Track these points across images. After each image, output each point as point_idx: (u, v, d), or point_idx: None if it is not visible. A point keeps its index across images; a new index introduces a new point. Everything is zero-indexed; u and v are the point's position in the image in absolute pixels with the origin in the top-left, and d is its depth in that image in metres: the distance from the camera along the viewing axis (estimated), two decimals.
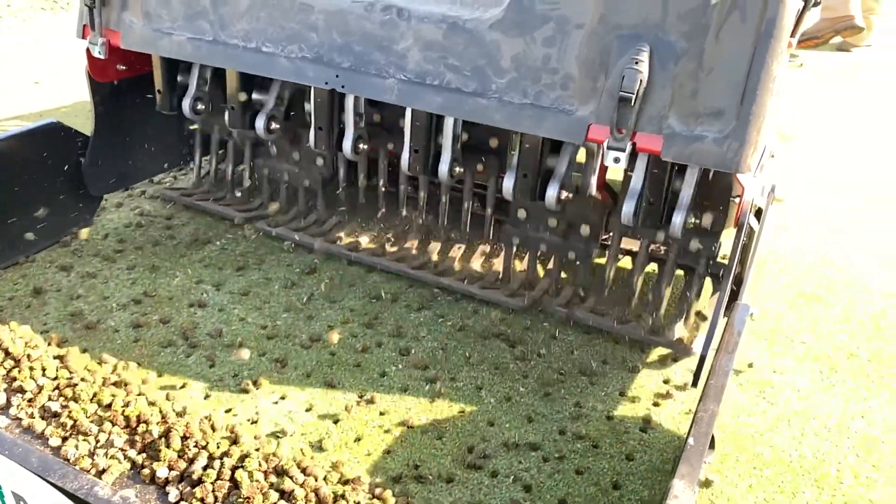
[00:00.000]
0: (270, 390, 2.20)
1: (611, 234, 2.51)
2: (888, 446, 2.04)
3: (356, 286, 2.70)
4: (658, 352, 2.39)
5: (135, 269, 2.76)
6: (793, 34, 2.19)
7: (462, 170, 2.50)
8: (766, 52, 1.75)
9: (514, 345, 2.40)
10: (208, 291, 2.64)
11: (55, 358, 2.16)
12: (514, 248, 2.64)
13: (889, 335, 2.53)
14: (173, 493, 1.75)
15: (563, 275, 2.66)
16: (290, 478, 1.75)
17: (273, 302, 2.59)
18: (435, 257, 2.78)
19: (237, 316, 2.51)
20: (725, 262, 2.17)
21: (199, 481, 1.74)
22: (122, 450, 1.88)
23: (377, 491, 1.80)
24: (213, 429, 1.93)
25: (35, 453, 1.34)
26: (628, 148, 1.88)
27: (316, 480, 1.77)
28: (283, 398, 2.18)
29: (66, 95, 4.59)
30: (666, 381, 2.27)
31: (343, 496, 1.74)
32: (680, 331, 2.36)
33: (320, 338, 2.41)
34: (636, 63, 1.82)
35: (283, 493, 1.73)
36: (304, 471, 1.80)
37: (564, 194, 2.27)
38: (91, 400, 1.99)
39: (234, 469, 1.77)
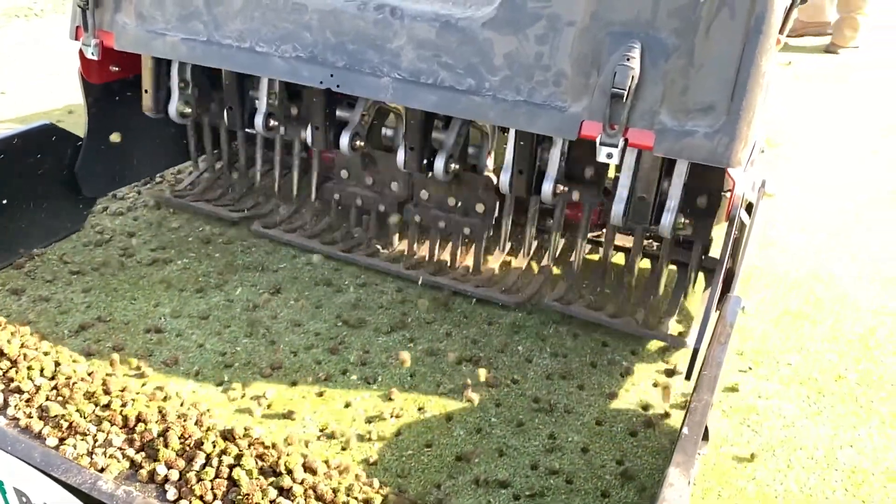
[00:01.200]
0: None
1: (603, 230, 2.54)
2: (878, 479, 1.95)
3: (322, 307, 2.58)
4: (640, 375, 2.31)
5: (91, 291, 2.62)
6: (781, 31, 2.22)
7: (459, 167, 2.52)
8: (756, 48, 1.78)
9: (487, 370, 2.29)
10: (166, 315, 2.52)
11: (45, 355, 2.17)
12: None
13: (878, 356, 2.43)
14: (172, 491, 1.76)
15: (554, 270, 2.68)
16: (290, 474, 1.77)
17: (234, 326, 2.47)
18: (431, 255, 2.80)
19: (195, 342, 2.39)
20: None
21: (198, 479, 1.75)
22: (120, 449, 1.88)
23: (373, 486, 1.82)
24: (209, 429, 1.94)
25: (38, 449, 1.35)
26: (620, 143, 1.91)
27: (314, 475, 1.79)
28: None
29: (31, 105, 4.40)
30: (645, 408, 2.18)
31: (341, 492, 1.76)
32: (673, 325, 2.38)
33: (281, 365, 2.30)
34: (628, 60, 1.85)
35: (281, 490, 1.74)
36: (303, 468, 1.82)
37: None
38: (89, 400, 2.00)
39: (231, 467, 1.78)
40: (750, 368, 2.34)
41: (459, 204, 2.70)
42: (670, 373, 2.30)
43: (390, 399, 2.18)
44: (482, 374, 2.27)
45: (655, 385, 2.25)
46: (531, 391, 2.23)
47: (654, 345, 2.42)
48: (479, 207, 2.65)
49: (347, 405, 2.15)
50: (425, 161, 2.47)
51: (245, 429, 1.98)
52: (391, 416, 2.11)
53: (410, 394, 2.21)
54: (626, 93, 1.85)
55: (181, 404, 2.12)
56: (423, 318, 2.55)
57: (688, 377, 2.06)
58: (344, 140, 2.61)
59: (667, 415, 2.14)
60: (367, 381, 2.26)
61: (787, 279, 2.84)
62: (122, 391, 2.04)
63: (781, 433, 2.10)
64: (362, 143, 2.67)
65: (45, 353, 2.15)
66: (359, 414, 2.13)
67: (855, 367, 2.37)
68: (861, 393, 2.27)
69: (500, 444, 2.04)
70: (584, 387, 2.25)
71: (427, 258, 2.78)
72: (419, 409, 2.16)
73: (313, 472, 1.81)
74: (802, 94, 4.96)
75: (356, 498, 1.75)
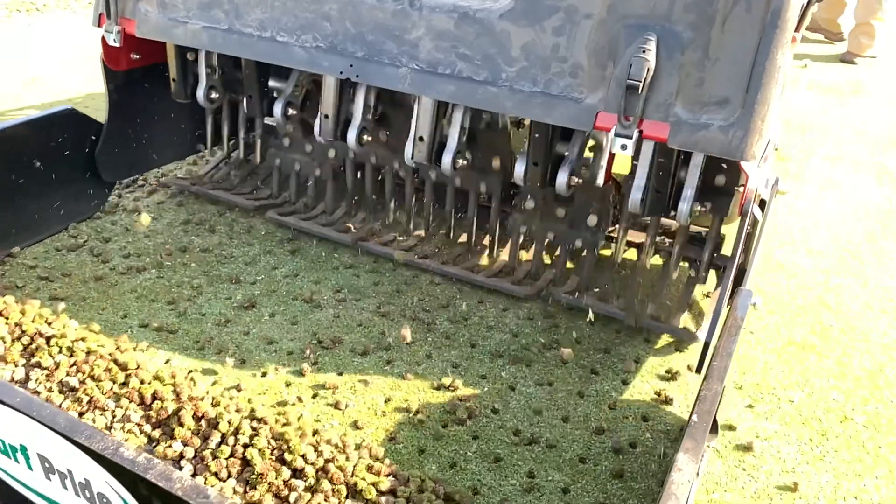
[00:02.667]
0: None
1: (617, 226, 2.55)
2: None
3: (298, 325, 2.46)
4: (630, 407, 2.16)
5: (58, 300, 2.50)
6: (797, 28, 2.24)
7: (466, 161, 2.53)
8: (771, 42, 1.80)
9: (467, 400, 2.16)
10: (133, 328, 2.41)
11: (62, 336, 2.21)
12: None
13: (887, 395, 2.23)
14: (188, 467, 1.80)
15: (568, 264, 2.70)
16: (302, 456, 1.79)
17: (202, 341, 2.36)
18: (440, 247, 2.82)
19: (161, 358, 2.29)
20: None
21: (213, 457, 1.79)
22: (138, 425, 1.93)
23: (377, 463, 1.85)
24: (225, 409, 1.98)
25: (62, 415, 1.39)
26: (635, 135, 1.93)
27: (321, 456, 1.82)
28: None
29: (29, 99, 4.31)
30: (633, 445, 2.03)
31: (353, 473, 1.78)
32: (684, 319, 2.40)
33: (245, 388, 2.19)
34: (643, 52, 1.87)
35: (294, 472, 1.77)
36: (314, 448, 1.85)
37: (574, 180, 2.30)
38: (108, 377, 2.03)
39: (245, 447, 1.82)
40: (750, 406, 2.18)
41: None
42: (666, 401, 2.17)
43: (358, 428, 2.06)
44: (461, 403, 2.14)
45: (645, 419, 2.12)
46: (512, 422, 2.10)
47: (648, 372, 2.30)
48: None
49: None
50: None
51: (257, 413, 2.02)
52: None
53: (382, 421, 2.09)
54: (641, 84, 1.87)
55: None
56: (400, 345, 2.39)
57: (698, 371, 2.08)
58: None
59: (656, 451, 2.02)
60: (335, 406, 2.13)
61: (792, 306, 2.66)
62: (138, 368, 2.08)
63: (780, 478, 1.93)
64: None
65: (62, 335, 2.19)
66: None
67: (862, 408, 2.19)
68: (868, 437, 2.08)
69: (475, 480, 1.91)
70: (569, 417, 2.12)
71: (438, 249, 2.81)
72: (390, 440, 2.03)
73: (321, 453, 1.84)
74: (815, 106, 4.69)
75: (363, 479, 1.78)
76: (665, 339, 2.44)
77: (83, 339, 2.19)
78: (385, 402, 2.16)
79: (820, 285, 2.80)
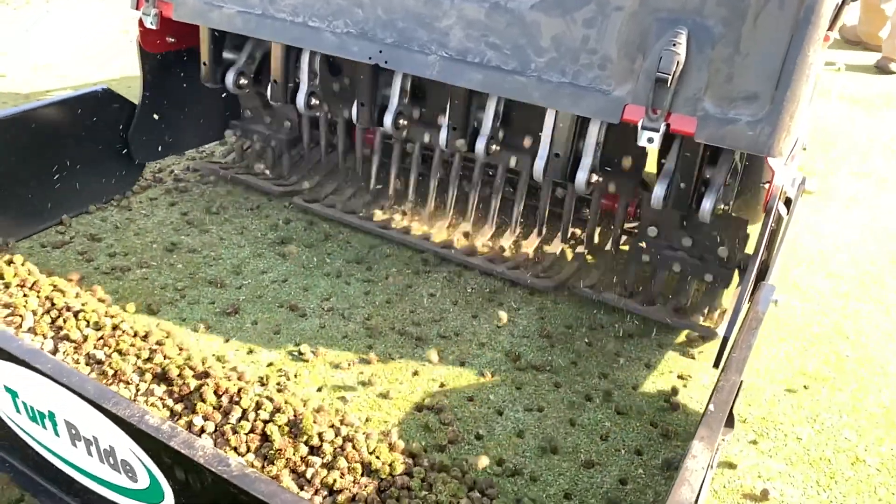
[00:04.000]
0: None
1: (638, 222, 2.56)
2: None
3: (280, 334, 2.35)
4: (625, 438, 2.02)
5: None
6: (831, 27, 2.22)
7: (498, 148, 2.55)
8: (803, 38, 1.79)
9: (450, 423, 2.02)
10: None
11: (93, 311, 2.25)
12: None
13: None
14: (208, 441, 1.83)
15: (589, 258, 2.71)
16: (319, 434, 1.82)
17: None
18: (461, 238, 2.84)
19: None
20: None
21: (234, 432, 1.82)
22: (160, 398, 1.97)
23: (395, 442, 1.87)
24: (247, 383, 2.01)
25: (90, 382, 1.42)
26: (662, 128, 1.93)
27: (338, 434, 1.84)
28: None
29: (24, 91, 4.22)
30: (623, 482, 1.90)
31: (371, 452, 1.81)
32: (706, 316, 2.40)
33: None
34: (674, 45, 1.87)
35: (312, 449, 1.80)
36: (332, 426, 1.87)
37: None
38: (133, 352, 2.08)
39: (265, 422, 1.85)
40: (754, 442, 2.03)
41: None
42: (666, 434, 2.04)
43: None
44: (443, 427, 2.02)
45: (639, 453, 1.97)
46: (495, 451, 1.96)
47: (647, 400, 2.17)
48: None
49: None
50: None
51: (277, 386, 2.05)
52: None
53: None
54: (670, 78, 1.87)
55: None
56: (389, 351, 2.30)
57: (716, 365, 2.08)
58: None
59: (647, 490, 1.88)
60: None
61: (806, 333, 2.46)
62: (160, 345, 2.13)
63: None
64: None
65: (92, 309, 2.24)
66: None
67: (876, 449, 2.01)
68: (881, 482, 1.91)
69: None
70: (558, 450, 1.97)
71: (457, 240, 2.82)
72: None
73: (338, 431, 1.87)
74: (843, 118, 4.39)
75: (378, 457, 1.80)
76: (666, 366, 2.30)
77: (111, 315, 2.24)
78: (364, 421, 2.03)
79: (837, 311, 2.60)
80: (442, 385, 2.19)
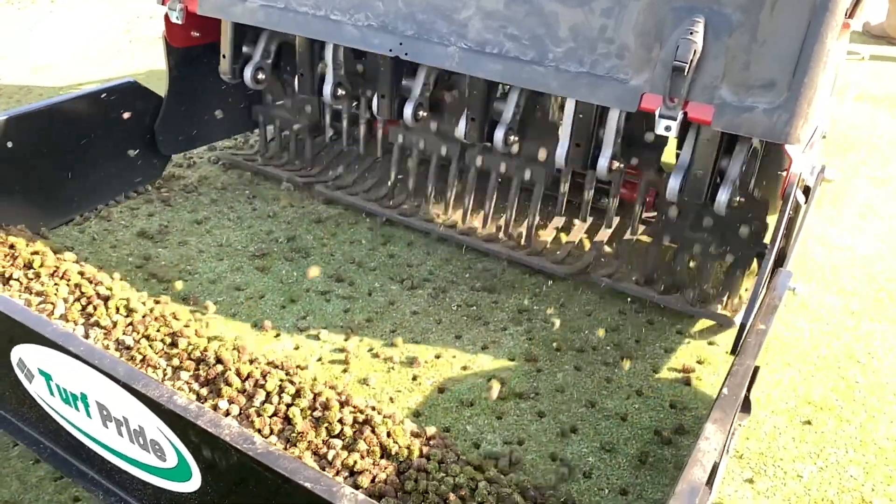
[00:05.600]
0: None
1: (655, 213, 2.57)
2: None
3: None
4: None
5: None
6: (851, 15, 2.22)
7: (517, 139, 2.58)
8: (821, 25, 1.79)
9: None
10: None
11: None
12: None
13: None
14: (234, 423, 1.88)
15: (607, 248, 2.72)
16: (339, 420, 1.86)
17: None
18: (480, 226, 2.87)
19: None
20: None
21: (258, 415, 1.87)
22: (187, 383, 2.03)
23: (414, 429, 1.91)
24: (274, 367, 2.06)
25: (122, 364, 1.48)
26: (679, 116, 1.95)
27: (362, 414, 1.89)
28: None
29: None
30: None
31: (389, 435, 1.85)
32: (723, 304, 2.41)
33: None
34: (691, 34, 1.88)
35: (330, 433, 1.85)
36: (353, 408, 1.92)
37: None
38: (160, 338, 2.14)
39: (288, 406, 1.90)
40: (749, 481, 1.87)
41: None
42: (654, 469, 1.92)
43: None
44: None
45: (624, 493, 1.83)
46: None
47: (637, 431, 2.03)
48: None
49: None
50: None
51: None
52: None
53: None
54: (687, 66, 1.89)
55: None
56: (364, 376, 2.18)
57: (733, 352, 2.09)
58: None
59: None
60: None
61: (813, 356, 2.28)
62: (185, 327, 2.18)
63: None
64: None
65: (121, 297, 2.30)
66: None
67: (884, 489, 1.84)
68: None
69: None
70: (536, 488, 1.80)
71: (480, 226, 2.85)
72: None
73: (360, 411, 1.91)
74: (862, 119, 4.14)
75: (396, 441, 1.84)
76: (660, 399, 2.14)
77: (142, 302, 2.30)
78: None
79: (848, 332, 2.40)
80: (418, 415, 2.08)
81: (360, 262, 2.75)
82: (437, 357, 2.29)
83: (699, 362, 2.29)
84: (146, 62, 4.71)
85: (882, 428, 2.04)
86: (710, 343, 2.37)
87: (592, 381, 2.22)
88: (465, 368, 2.25)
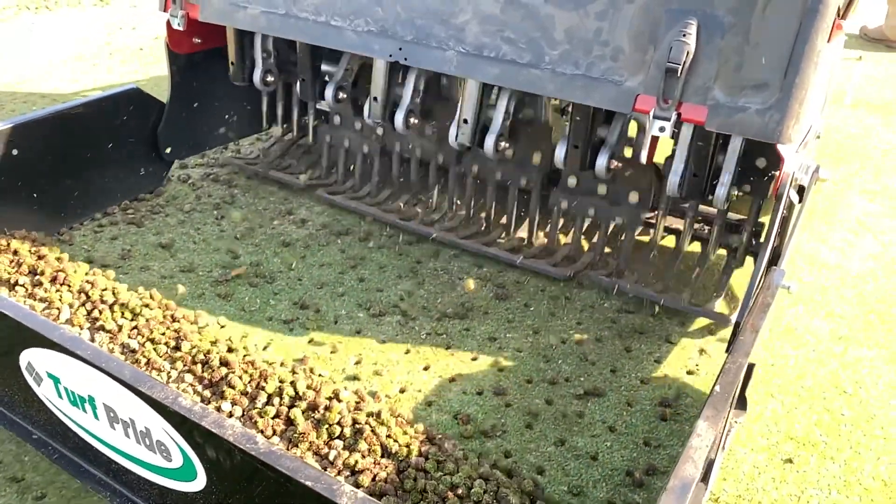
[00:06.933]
0: None
1: (656, 211, 2.60)
2: None
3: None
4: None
5: None
6: (844, 16, 2.24)
7: (507, 144, 2.59)
8: (811, 26, 1.82)
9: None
10: None
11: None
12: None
13: None
14: (237, 424, 1.92)
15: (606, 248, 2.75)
16: (338, 424, 1.90)
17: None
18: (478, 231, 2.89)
19: None
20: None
21: (260, 416, 1.90)
22: (191, 385, 2.06)
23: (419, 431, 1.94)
24: (273, 369, 2.10)
25: (128, 367, 1.51)
26: (673, 117, 1.98)
27: (369, 417, 1.92)
28: None
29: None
30: None
31: (389, 436, 1.88)
32: (720, 304, 2.43)
33: None
34: (684, 36, 1.91)
35: (331, 435, 1.88)
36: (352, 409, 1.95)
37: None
38: (164, 341, 2.17)
39: (289, 408, 1.93)
40: None
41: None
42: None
43: None
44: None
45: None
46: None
47: (607, 474, 1.91)
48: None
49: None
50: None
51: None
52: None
53: None
54: (680, 67, 1.92)
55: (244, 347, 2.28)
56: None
57: (727, 351, 2.12)
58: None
59: None
60: None
61: (797, 386, 2.17)
62: (191, 332, 2.22)
63: None
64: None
65: (120, 302, 2.34)
66: None
67: None
68: None
69: None
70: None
71: (480, 229, 2.88)
72: None
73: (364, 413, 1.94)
74: (856, 128, 4.02)
75: (402, 443, 1.87)
76: (632, 437, 2.03)
77: (146, 306, 2.34)
78: None
79: (835, 359, 2.28)
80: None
81: (327, 287, 2.63)
82: (402, 391, 2.17)
83: (675, 394, 2.18)
84: (123, 75, 4.63)
85: (868, 466, 1.93)
86: (690, 373, 2.26)
87: (563, 415, 2.09)
88: (429, 404, 2.12)
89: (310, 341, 2.37)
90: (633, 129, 2.43)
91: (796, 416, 2.08)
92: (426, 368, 2.27)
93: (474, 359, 2.31)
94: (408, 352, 2.34)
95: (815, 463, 1.93)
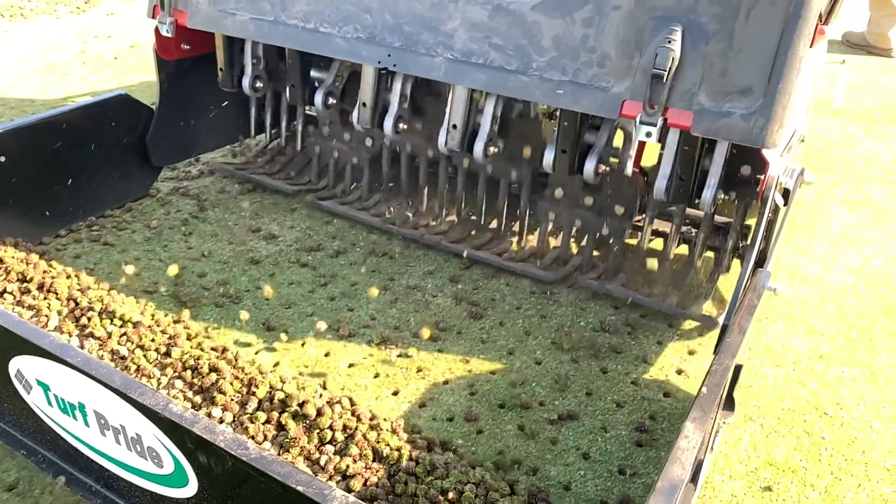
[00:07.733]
0: None
1: (643, 216, 2.62)
2: None
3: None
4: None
5: None
6: (826, 21, 2.27)
7: (497, 149, 2.60)
8: (794, 32, 1.85)
9: None
10: None
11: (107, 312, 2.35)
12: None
13: None
14: (228, 430, 1.92)
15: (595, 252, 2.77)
16: (330, 428, 1.90)
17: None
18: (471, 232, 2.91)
19: None
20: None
21: (251, 422, 1.91)
22: (181, 391, 2.06)
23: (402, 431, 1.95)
24: (262, 374, 2.10)
25: (118, 374, 1.51)
26: (659, 122, 2.00)
27: (360, 422, 1.93)
28: None
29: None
30: None
31: (380, 440, 1.89)
32: (707, 305, 2.46)
33: None
34: (669, 42, 1.94)
35: (322, 440, 1.89)
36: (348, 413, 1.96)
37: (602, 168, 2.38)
38: (153, 347, 2.17)
39: (280, 413, 1.94)
40: None
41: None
42: None
43: None
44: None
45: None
46: None
47: None
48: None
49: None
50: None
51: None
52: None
53: None
54: (666, 73, 1.94)
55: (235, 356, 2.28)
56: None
57: (715, 352, 2.14)
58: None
59: None
60: None
61: (777, 408, 2.10)
62: (175, 336, 2.22)
63: None
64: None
65: (109, 309, 2.34)
66: None
67: None
68: None
69: None
70: None
71: (471, 234, 2.90)
72: None
73: (358, 417, 1.95)
74: (838, 136, 3.97)
75: (388, 444, 1.88)
76: (607, 463, 1.97)
77: (135, 312, 2.33)
78: None
79: (816, 378, 2.22)
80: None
81: (296, 307, 2.55)
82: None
83: (651, 418, 2.12)
84: (95, 84, 4.55)
85: (849, 493, 1.85)
86: (666, 395, 2.20)
87: (536, 442, 2.01)
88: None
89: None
90: (618, 140, 2.43)
91: (776, 440, 2.01)
92: (395, 394, 2.19)
93: (445, 382, 2.23)
94: (377, 376, 2.26)
95: (796, 490, 1.86)
